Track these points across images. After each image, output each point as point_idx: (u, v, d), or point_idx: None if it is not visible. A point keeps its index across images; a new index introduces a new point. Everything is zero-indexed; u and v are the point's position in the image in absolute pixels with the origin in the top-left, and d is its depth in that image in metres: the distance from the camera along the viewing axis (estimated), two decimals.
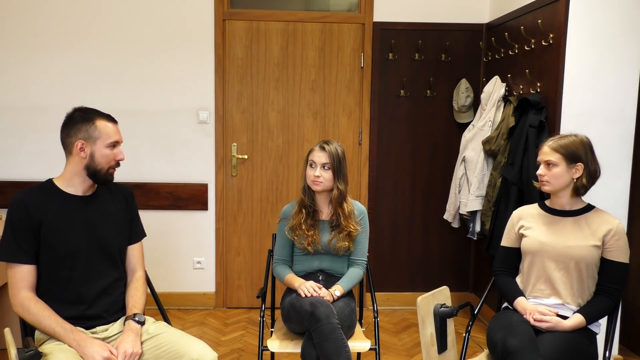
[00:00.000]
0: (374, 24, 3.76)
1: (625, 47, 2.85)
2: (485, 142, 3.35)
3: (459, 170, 3.64)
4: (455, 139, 3.80)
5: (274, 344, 2.31)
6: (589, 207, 2.18)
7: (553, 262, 2.14)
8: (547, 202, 2.26)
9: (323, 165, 2.41)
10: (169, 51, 3.70)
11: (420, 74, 3.84)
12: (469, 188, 3.51)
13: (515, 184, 3.03)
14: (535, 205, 2.29)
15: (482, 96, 3.56)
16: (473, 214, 3.51)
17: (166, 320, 2.19)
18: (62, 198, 1.95)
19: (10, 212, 1.90)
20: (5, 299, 2.80)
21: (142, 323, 1.98)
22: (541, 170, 2.16)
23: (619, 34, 2.84)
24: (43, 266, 1.91)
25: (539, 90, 3.06)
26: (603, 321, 2.17)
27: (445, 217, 3.80)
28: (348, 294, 2.45)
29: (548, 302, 2.15)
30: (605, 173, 2.21)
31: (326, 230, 2.46)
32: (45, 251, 1.90)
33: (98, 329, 1.96)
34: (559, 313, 2.10)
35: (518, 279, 2.28)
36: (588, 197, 2.21)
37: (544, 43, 2.98)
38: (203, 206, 3.81)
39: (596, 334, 2.15)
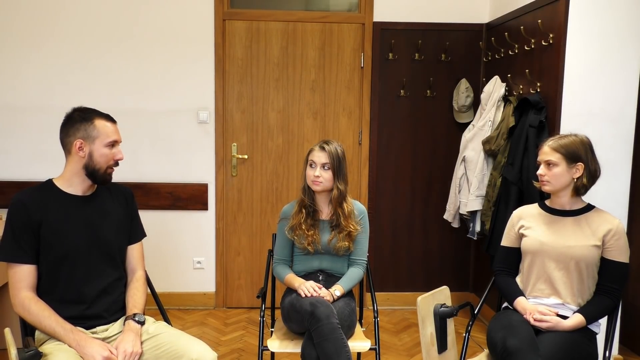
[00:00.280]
0: (374, 24, 3.76)
1: (625, 47, 2.86)
2: (485, 142, 3.35)
3: (459, 170, 3.64)
4: (455, 139, 3.80)
5: (274, 344, 2.31)
6: (589, 207, 2.18)
7: (553, 261, 2.14)
8: (547, 202, 2.26)
9: (323, 165, 2.41)
10: (169, 51, 3.70)
11: (420, 74, 3.84)
12: (469, 188, 3.51)
13: (515, 184, 3.03)
14: (536, 205, 2.29)
15: (482, 96, 3.56)
16: (473, 213, 3.51)
17: (166, 320, 2.19)
18: (62, 198, 1.95)
19: (10, 212, 1.90)
20: (6, 299, 2.80)
21: (142, 323, 1.98)
22: (541, 170, 2.16)
23: (619, 34, 2.84)
24: (43, 266, 1.91)
25: (539, 90, 3.06)
26: (603, 321, 2.17)
27: (445, 217, 3.80)
28: (348, 294, 2.45)
29: (548, 302, 2.15)
30: (605, 173, 2.21)
31: (326, 230, 2.46)
32: (45, 251, 1.90)
33: (98, 328, 1.96)
34: (559, 313, 2.10)
35: (518, 279, 2.28)
36: (588, 197, 2.22)
37: (544, 43, 2.98)
38: (203, 206, 3.81)
39: (596, 333, 2.15)
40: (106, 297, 2.00)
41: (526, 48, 3.18)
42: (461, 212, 3.61)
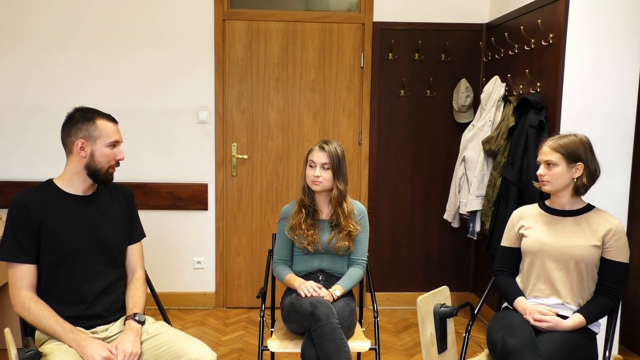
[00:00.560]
0: (373, 24, 3.76)
1: (625, 47, 2.86)
2: (485, 142, 3.35)
3: (459, 170, 3.64)
4: (455, 139, 3.80)
5: (274, 344, 2.31)
6: (589, 207, 2.18)
7: (553, 262, 2.14)
8: (547, 202, 2.26)
9: (322, 165, 2.41)
10: (169, 51, 3.70)
11: (420, 74, 3.84)
12: (469, 188, 3.51)
13: (515, 184, 3.03)
14: (535, 205, 2.29)
15: (482, 96, 3.56)
16: (473, 213, 3.51)
17: (166, 320, 2.19)
18: (62, 198, 1.95)
19: (10, 212, 1.90)
20: (6, 299, 2.80)
21: (142, 323, 1.98)
22: (541, 170, 2.16)
23: (619, 34, 2.85)
24: (43, 266, 1.91)
25: (538, 90, 3.06)
26: (603, 321, 2.17)
27: (445, 217, 3.80)
28: (348, 294, 2.45)
29: (548, 302, 2.15)
30: (605, 173, 2.21)
31: (326, 230, 2.46)
32: (45, 251, 1.90)
33: (98, 328, 1.96)
34: (559, 313, 2.10)
35: (518, 279, 2.28)
36: (588, 197, 2.22)
37: (543, 43, 2.98)
38: (203, 206, 3.81)
39: (596, 333, 2.15)
40: (106, 297, 2.00)
41: (526, 48, 3.18)
42: (461, 212, 3.61)
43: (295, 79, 3.81)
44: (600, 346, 2.15)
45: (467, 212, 3.52)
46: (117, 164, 2.02)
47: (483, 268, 3.81)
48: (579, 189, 2.14)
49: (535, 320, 2.07)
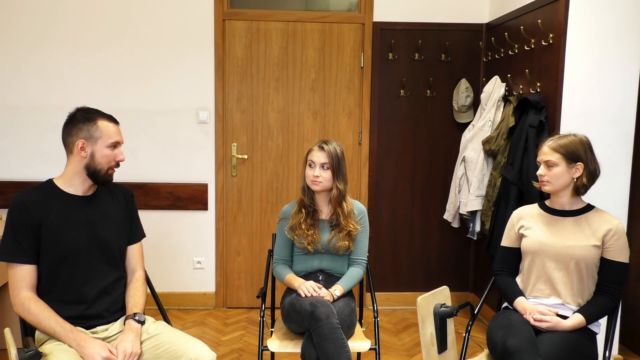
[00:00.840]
0: (373, 24, 3.76)
1: (625, 47, 2.86)
2: (485, 142, 3.35)
3: (459, 170, 3.64)
4: (455, 139, 3.80)
5: (274, 344, 2.31)
6: (589, 207, 2.18)
7: (553, 262, 2.14)
8: (547, 202, 2.26)
9: (322, 165, 2.41)
10: (169, 51, 3.70)
11: (420, 74, 3.84)
12: (469, 188, 3.51)
13: (515, 184, 3.03)
14: (535, 205, 2.29)
15: (482, 96, 3.56)
16: (473, 213, 3.51)
17: (166, 320, 2.19)
18: (62, 198, 1.95)
19: (10, 212, 1.90)
20: (6, 299, 2.80)
21: (142, 322, 1.98)
22: (541, 171, 2.16)
23: (619, 34, 2.85)
24: (43, 266, 1.91)
25: (538, 90, 3.06)
26: (603, 321, 2.17)
27: (445, 217, 3.80)
28: (348, 294, 2.45)
29: (548, 302, 2.15)
30: (605, 173, 2.21)
31: (326, 230, 2.46)
32: (45, 251, 1.90)
33: (98, 328, 1.96)
34: (559, 313, 2.10)
35: (518, 279, 2.28)
36: (588, 197, 2.22)
37: (543, 43, 2.98)
38: (203, 206, 3.81)
39: (596, 333, 2.15)
40: (106, 297, 2.00)
41: (526, 48, 3.18)
42: (461, 212, 3.61)
43: (295, 79, 3.81)
44: (600, 346, 2.15)
45: (467, 212, 3.52)
46: (117, 165, 2.02)
47: (483, 268, 3.81)
48: (579, 189, 2.14)
49: (535, 320, 2.07)
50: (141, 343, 1.94)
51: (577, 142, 2.13)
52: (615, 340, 3.00)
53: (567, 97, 2.86)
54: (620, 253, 2.09)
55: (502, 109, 3.39)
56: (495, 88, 3.45)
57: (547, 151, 2.14)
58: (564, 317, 2.09)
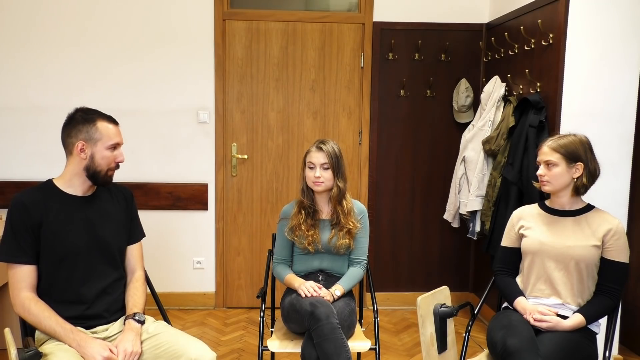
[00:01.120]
0: (373, 24, 3.76)
1: (625, 47, 2.86)
2: (485, 142, 3.35)
3: (459, 170, 3.64)
4: (455, 139, 3.80)
5: (274, 344, 2.31)
6: (589, 207, 2.18)
7: (553, 262, 2.14)
8: (547, 202, 2.26)
9: (322, 166, 2.41)
10: (169, 51, 3.70)
11: (420, 74, 3.84)
12: (469, 188, 3.51)
13: (515, 184, 3.03)
14: (535, 205, 2.29)
15: (482, 96, 3.56)
16: (473, 213, 3.51)
17: (166, 320, 2.19)
18: (62, 198, 1.95)
19: (10, 213, 1.90)
20: (6, 299, 2.80)
21: (142, 322, 1.98)
22: (541, 171, 2.16)
23: (619, 34, 2.85)
24: (43, 266, 1.91)
25: (538, 90, 3.06)
26: (603, 321, 2.17)
27: (445, 217, 3.80)
28: (348, 294, 2.45)
29: (548, 302, 2.15)
30: (605, 173, 2.21)
31: (326, 229, 2.47)
32: (45, 251, 1.90)
33: (98, 328, 1.96)
34: (559, 313, 2.10)
35: (518, 279, 2.28)
36: (588, 197, 2.22)
37: (543, 43, 2.98)
38: (203, 206, 3.81)
39: (596, 333, 2.15)
40: (106, 297, 2.00)
41: (526, 48, 3.18)
42: (461, 212, 3.61)
43: (295, 78, 3.81)
44: (600, 346, 2.15)
45: (467, 212, 3.52)
46: (117, 166, 2.01)
47: (483, 268, 3.81)
48: (579, 189, 2.14)
49: (535, 320, 2.07)
50: (141, 343, 1.94)
51: (577, 142, 2.13)
52: (615, 340, 3.00)
53: (567, 97, 2.86)
54: (620, 253, 2.09)
55: (502, 109, 3.39)
56: (495, 88, 3.45)
57: (547, 151, 2.14)
58: (564, 317, 2.09)
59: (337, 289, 2.37)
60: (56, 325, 1.85)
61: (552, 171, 2.13)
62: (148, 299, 2.13)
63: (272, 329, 2.50)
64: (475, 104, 3.78)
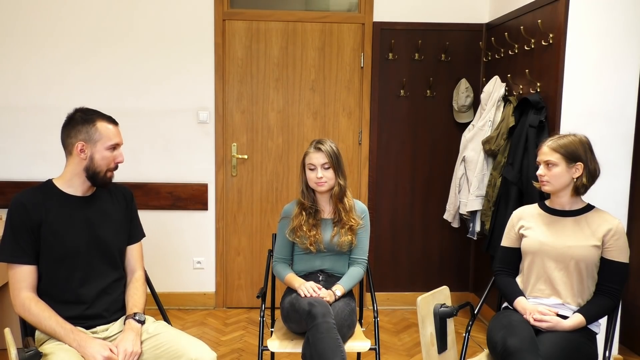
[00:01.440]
0: (373, 24, 3.76)
1: (625, 47, 2.85)
2: (485, 142, 3.35)
3: (458, 170, 3.64)
4: (455, 139, 3.80)
5: (274, 344, 2.31)
6: (589, 207, 2.18)
7: (553, 262, 2.14)
8: (547, 202, 2.26)
9: (323, 166, 2.41)
10: (169, 51, 3.70)
11: (420, 74, 3.84)
12: (468, 188, 3.51)
13: (515, 184, 3.03)
14: (535, 205, 2.29)
15: (482, 96, 3.56)
16: (473, 213, 3.51)
17: (166, 320, 2.19)
18: (61, 198, 1.95)
19: (10, 213, 1.90)
20: (6, 299, 2.81)
21: (142, 322, 1.98)
22: (541, 171, 2.16)
23: (619, 34, 2.84)
24: (43, 266, 1.91)
25: (538, 90, 3.06)
26: (603, 321, 2.17)
27: (445, 217, 3.80)
28: (348, 294, 2.45)
29: (548, 302, 2.15)
30: (605, 173, 2.21)
31: (328, 228, 2.47)
32: (45, 251, 1.90)
33: (98, 328, 1.96)
34: (559, 313, 2.10)
35: (518, 279, 2.28)
36: (588, 197, 2.22)
37: (543, 43, 2.98)
38: (203, 206, 3.81)
39: (596, 333, 2.15)
40: (106, 297, 2.00)
41: (526, 48, 3.18)
42: (461, 212, 3.61)
43: (295, 79, 3.81)
44: (600, 346, 2.15)
45: (467, 212, 3.52)
46: (116, 167, 2.01)
47: (483, 268, 3.81)
48: (579, 189, 2.14)
49: (535, 320, 2.07)
50: (141, 343, 1.94)
51: (577, 142, 2.13)
52: (615, 340, 3.00)
53: (567, 97, 2.86)
54: (620, 253, 2.09)
55: (502, 109, 3.39)
56: (495, 88, 3.45)
57: (546, 151, 2.14)
58: (564, 317, 2.09)
59: (338, 289, 2.37)
60: (56, 325, 1.85)
61: (552, 171, 2.13)
62: (148, 299, 2.13)
63: (272, 329, 2.50)
64: (475, 104, 3.78)
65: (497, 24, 3.62)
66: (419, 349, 3.24)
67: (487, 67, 3.80)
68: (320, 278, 2.47)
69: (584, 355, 2.04)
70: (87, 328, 1.93)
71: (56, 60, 3.66)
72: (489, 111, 3.45)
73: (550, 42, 2.92)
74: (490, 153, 3.34)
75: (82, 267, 1.95)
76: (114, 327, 2.00)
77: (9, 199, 1.93)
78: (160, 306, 2.28)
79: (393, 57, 3.80)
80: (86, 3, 3.63)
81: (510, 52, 3.40)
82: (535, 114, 2.97)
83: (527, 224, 2.24)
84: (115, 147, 1.98)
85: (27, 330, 1.93)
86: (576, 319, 2.07)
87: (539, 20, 3.01)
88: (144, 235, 2.22)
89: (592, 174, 2.13)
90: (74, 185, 1.97)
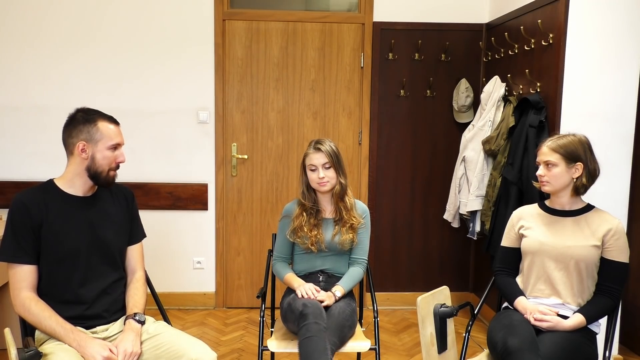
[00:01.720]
0: (373, 24, 3.76)
1: (625, 47, 2.86)
2: (485, 142, 3.35)
3: (458, 170, 3.64)
4: (455, 139, 3.80)
5: (274, 344, 2.31)
6: (588, 207, 2.18)
7: (553, 262, 2.14)
8: (547, 202, 2.26)
9: (323, 166, 2.41)
10: (169, 51, 3.70)
11: (420, 74, 3.84)
12: (468, 188, 3.51)
13: (515, 184, 3.03)
14: (535, 205, 2.29)
15: (482, 96, 3.57)
16: (473, 213, 3.51)
17: (166, 320, 2.19)
18: (62, 198, 1.95)
19: (11, 213, 1.90)
20: (6, 299, 2.81)
21: (142, 322, 1.98)
22: (541, 171, 2.16)
23: (619, 34, 2.85)
24: (43, 266, 1.91)
25: (538, 90, 3.06)
26: (603, 321, 2.17)
27: (445, 217, 3.80)
28: (349, 294, 2.45)
29: (548, 302, 2.15)
30: (605, 173, 2.21)
31: (330, 227, 2.47)
32: (45, 252, 1.90)
33: (98, 328, 1.96)
34: (559, 313, 2.10)
35: (518, 279, 2.28)
36: (588, 197, 2.22)
37: (543, 43, 2.98)
38: (203, 206, 3.81)
39: (596, 333, 2.16)
40: (106, 297, 2.00)
41: (526, 48, 3.18)
42: (461, 212, 3.61)
43: (295, 79, 3.81)
44: (600, 346, 2.15)
45: (467, 212, 3.52)
46: (118, 167, 2.01)
47: (483, 268, 3.81)
48: (579, 189, 2.14)
49: (535, 320, 2.07)
50: (141, 343, 1.94)
51: (577, 142, 2.13)
52: (615, 340, 3.00)
53: (567, 97, 2.87)
54: (620, 253, 2.09)
55: (502, 109, 3.39)
56: (495, 88, 3.45)
57: (546, 151, 2.15)
58: (564, 317, 2.09)
59: (338, 290, 2.37)
60: (56, 325, 1.85)
61: (552, 171, 2.13)
62: (148, 299, 2.13)
63: (272, 329, 2.50)
64: (475, 104, 3.78)
65: (497, 24, 3.62)
66: (419, 349, 3.24)
67: (487, 67, 3.80)
68: (321, 278, 2.47)
69: (584, 355, 2.04)
70: (87, 328, 1.93)
71: (56, 61, 3.65)
72: (489, 111, 3.45)
73: (550, 42, 2.92)
74: (490, 153, 3.34)
75: (82, 268, 1.95)
76: (114, 327, 2.00)
77: (9, 199, 1.93)
78: (160, 306, 2.28)
79: (393, 57, 3.80)
80: (87, 3, 3.63)
81: (510, 52, 3.40)
82: (535, 114, 2.97)
83: (527, 224, 2.24)
84: (116, 147, 1.98)
85: (27, 330, 1.93)
86: (576, 319, 2.07)
87: (539, 20, 3.01)
88: (144, 236, 2.22)
89: (592, 174, 2.13)
90: (75, 185, 1.97)
